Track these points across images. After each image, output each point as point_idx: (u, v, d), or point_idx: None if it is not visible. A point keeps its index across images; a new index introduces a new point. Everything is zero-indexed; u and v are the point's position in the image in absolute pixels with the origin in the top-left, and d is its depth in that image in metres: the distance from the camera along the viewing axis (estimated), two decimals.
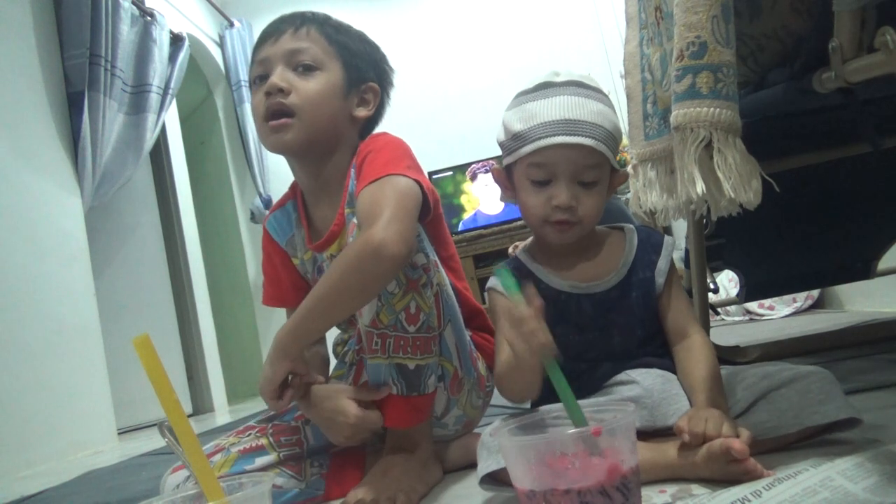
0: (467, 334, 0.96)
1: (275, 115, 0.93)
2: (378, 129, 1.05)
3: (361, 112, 1.00)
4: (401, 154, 0.91)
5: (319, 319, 0.83)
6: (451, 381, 0.91)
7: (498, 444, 0.72)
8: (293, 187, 1.07)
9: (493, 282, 0.91)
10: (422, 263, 0.85)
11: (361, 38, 1.03)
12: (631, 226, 0.91)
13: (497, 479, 0.73)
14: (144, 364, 0.57)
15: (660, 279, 0.86)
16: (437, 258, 0.91)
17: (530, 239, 0.95)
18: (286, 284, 1.06)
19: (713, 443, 0.66)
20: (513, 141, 0.85)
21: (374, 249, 0.76)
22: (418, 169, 0.91)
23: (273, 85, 0.92)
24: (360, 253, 0.78)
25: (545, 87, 0.86)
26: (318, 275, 1.03)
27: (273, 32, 0.97)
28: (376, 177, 0.84)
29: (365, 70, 1.01)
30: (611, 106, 0.86)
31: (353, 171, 0.95)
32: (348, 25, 1.02)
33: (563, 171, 0.82)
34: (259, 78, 0.96)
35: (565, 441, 0.56)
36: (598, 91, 0.87)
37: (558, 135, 0.80)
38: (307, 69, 0.94)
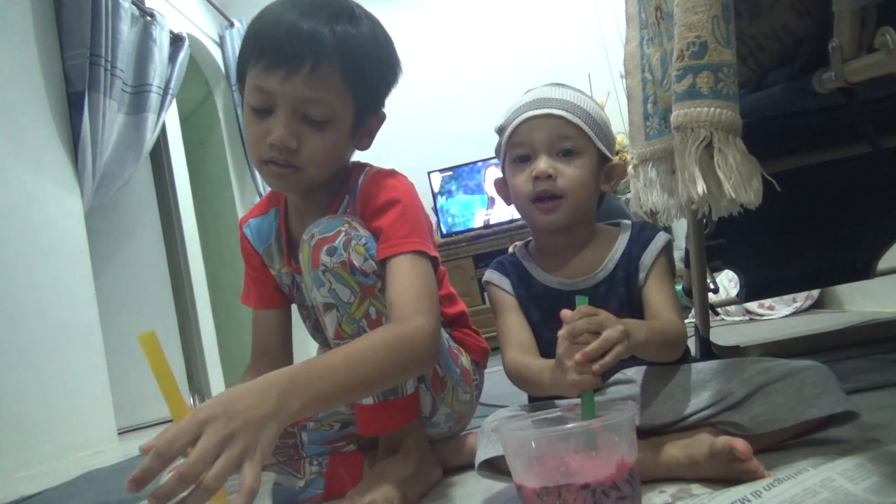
0: (444, 332, 0.95)
1: (278, 164, 0.86)
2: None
3: (364, 143, 0.96)
4: (421, 223, 0.89)
5: (340, 399, 0.73)
6: (433, 381, 0.91)
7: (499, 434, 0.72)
8: (276, 194, 1.05)
9: (489, 275, 0.93)
10: (373, 270, 0.84)
11: (379, 52, 0.90)
12: (628, 222, 0.91)
13: (495, 467, 0.74)
14: (150, 360, 0.57)
15: (641, 273, 0.85)
16: None
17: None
18: (270, 287, 1.05)
19: (716, 441, 0.66)
20: (499, 136, 0.90)
21: (428, 342, 0.78)
22: (430, 235, 0.91)
23: (282, 141, 0.83)
24: (414, 345, 0.77)
25: (526, 92, 0.91)
26: (296, 291, 1.03)
27: (285, 62, 0.80)
28: (404, 249, 0.84)
29: (378, 102, 0.93)
30: (595, 103, 0.89)
31: (349, 197, 0.94)
32: (368, 35, 0.87)
33: (539, 144, 0.85)
34: (257, 110, 0.85)
35: (568, 436, 0.57)
36: (581, 91, 0.90)
37: (529, 110, 0.86)
38: (318, 123, 0.85)
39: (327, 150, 0.87)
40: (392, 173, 0.95)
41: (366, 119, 0.92)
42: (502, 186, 0.93)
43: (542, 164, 0.83)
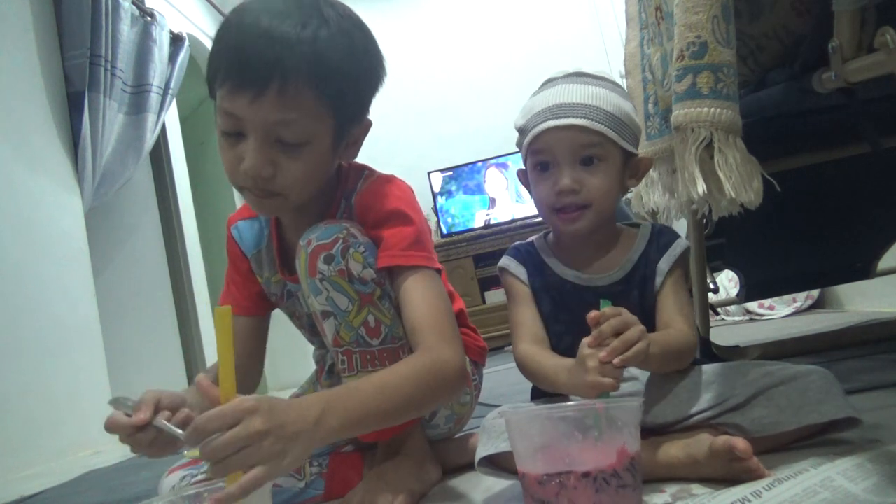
0: None
1: (259, 191, 0.81)
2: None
3: (350, 153, 0.90)
4: (424, 234, 0.88)
5: (374, 423, 0.72)
6: None
7: (499, 428, 0.72)
8: None
9: (505, 261, 0.93)
10: (371, 278, 0.83)
11: (356, 55, 0.80)
12: (648, 224, 0.90)
13: (495, 464, 0.74)
14: (217, 336, 0.60)
15: (658, 279, 0.85)
16: None
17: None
18: (253, 293, 1.02)
19: (716, 440, 0.66)
20: (520, 136, 0.88)
21: (458, 375, 0.79)
22: (430, 244, 0.89)
23: (255, 170, 0.77)
24: (446, 378, 0.77)
25: (547, 83, 0.88)
26: (288, 300, 1.00)
27: (250, 84, 0.73)
28: (408, 263, 0.83)
29: (360, 110, 0.86)
30: (618, 92, 0.85)
31: (345, 202, 0.91)
32: (341, 38, 0.78)
33: (561, 154, 0.82)
34: (227, 134, 0.78)
35: (571, 416, 0.57)
36: (602, 79, 0.86)
37: (549, 119, 0.82)
38: (293, 146, 0.78)
39: (307, 172, 0.81)
40: (391, 179, 0.92)
41: (348, 130, 0.85)
42: (525, 178, 0.92)
43: (566, 178, 0.82)
